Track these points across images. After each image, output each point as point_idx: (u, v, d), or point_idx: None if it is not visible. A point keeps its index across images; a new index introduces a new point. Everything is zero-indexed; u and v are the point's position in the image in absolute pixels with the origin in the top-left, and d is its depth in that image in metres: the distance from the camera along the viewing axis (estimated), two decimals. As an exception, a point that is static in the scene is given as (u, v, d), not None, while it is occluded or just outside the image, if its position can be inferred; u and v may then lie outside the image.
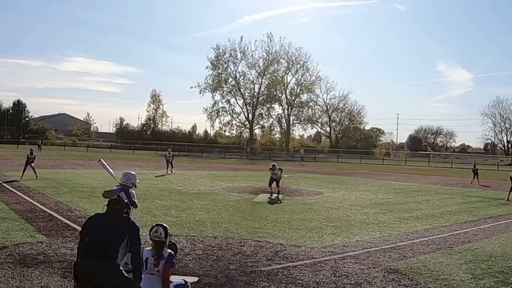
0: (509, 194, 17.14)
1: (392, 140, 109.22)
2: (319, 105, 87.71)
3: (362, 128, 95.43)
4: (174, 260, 4.47)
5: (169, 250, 4.53)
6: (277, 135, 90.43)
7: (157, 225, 4.57)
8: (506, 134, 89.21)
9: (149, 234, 4.53)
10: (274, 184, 15.97)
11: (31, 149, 19.02)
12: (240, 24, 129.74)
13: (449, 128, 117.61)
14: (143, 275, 4.34)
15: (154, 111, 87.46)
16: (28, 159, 18.04)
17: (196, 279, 5.78)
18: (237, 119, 79.96)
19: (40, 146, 46.36)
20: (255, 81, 78.78)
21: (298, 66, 79.81)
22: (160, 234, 4.45)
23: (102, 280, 4.11)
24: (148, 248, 4.57)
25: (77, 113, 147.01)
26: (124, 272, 4.22)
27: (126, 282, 4.17)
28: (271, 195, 15.52)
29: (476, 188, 22.87)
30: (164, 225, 4.56)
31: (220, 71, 76.95)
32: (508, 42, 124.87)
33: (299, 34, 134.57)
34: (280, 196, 15.32)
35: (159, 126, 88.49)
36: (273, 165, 16.62)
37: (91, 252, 4.12)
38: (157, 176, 21.81)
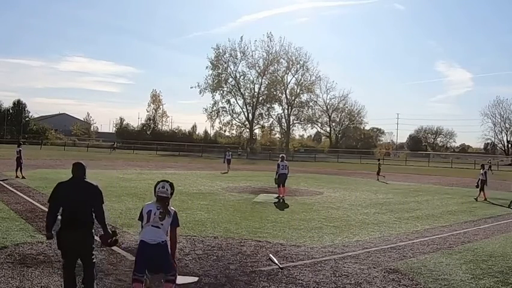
0: (479, 193, 17.34)
1: (392, 140, 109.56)
2: (319, 105, 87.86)
3: (362, 128, 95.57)
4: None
5: (173, 208, 4.55)
6: (277, 135, 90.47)
7: (163, 181, 4.60)
8: (506, 134, 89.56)
9: (154, 191, 4.55)
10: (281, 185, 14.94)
11: (19, 143, 19.05)
12: (239, 24, 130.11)
13: (449, 128, 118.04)
14: (147, 227, 4.46)
15: (154, 111, 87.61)
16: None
17: (196, 279, 5.78)
18: (237, 119, 79.98)
19: (115, 148, 49.25)
20: (255, 81, 78.81)
21: (298, 66, 79.70)
22: (167, 190, 4.53)
23: (87, 249, 4.58)
24: (149, 203, 4.60)
25: (77, 113, 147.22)
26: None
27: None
28: (280, 197, 14.68)
29: (475, 188, 22.78)
30: (170, 181, 4.60)
31: (220, 71, 76.90)
32: (507, 42, 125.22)
33: (299, 34, 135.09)
34: (280, 195, 15.09)
35: (159, 126, 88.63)
36: (282, 157, 15.60)
37: (74, 223, 4.50)
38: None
